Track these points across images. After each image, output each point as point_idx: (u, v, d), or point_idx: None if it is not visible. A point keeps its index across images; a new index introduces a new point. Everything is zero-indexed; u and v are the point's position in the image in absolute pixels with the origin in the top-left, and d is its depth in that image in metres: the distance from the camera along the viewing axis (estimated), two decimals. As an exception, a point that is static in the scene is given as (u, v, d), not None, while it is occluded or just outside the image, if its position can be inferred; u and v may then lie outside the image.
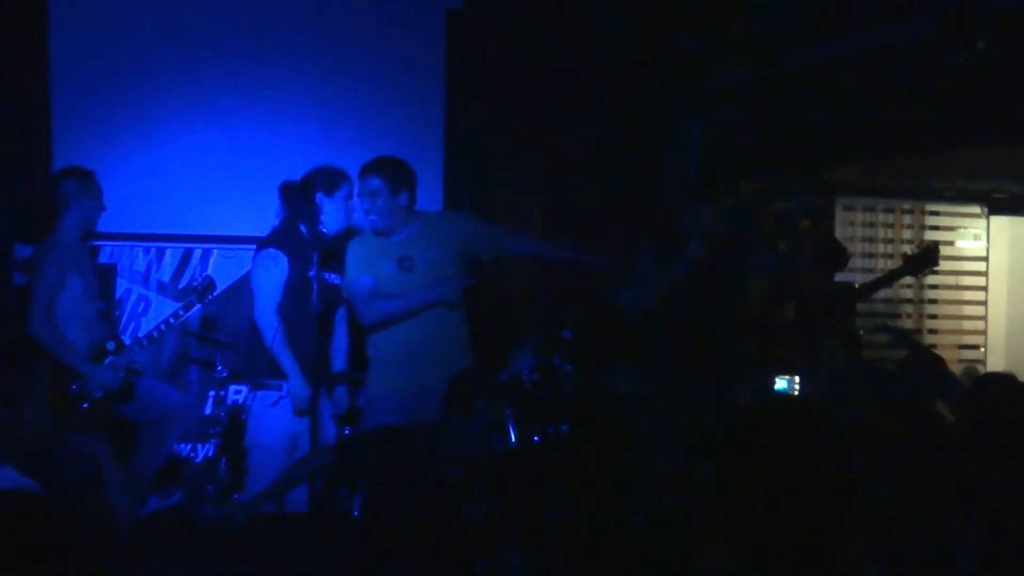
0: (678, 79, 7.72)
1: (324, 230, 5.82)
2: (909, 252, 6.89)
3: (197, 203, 7.28)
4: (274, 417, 5.82)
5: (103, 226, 6.58)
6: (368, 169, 5.77)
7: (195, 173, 7.32)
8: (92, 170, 6.32)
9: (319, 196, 5.88)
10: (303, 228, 5.90)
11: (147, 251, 7.42)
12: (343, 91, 7.56)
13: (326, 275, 5.80)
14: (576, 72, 7.90)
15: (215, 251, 7.36)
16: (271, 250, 5.86)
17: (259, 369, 5.88)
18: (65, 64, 7.14)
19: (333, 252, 5.88)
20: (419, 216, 5.93)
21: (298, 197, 5.91)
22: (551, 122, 7.98)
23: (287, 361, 5.74)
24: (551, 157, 8.07)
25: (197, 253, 7.44)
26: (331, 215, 5.90)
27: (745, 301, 6.39)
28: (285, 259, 5.82)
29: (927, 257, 6.70)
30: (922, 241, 7.60)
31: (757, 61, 7.24)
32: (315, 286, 5.65)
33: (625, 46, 7.70)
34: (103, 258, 7.23)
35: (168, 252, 7.46)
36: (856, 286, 7.26)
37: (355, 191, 5.93)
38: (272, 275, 5.83)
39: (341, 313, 6.15)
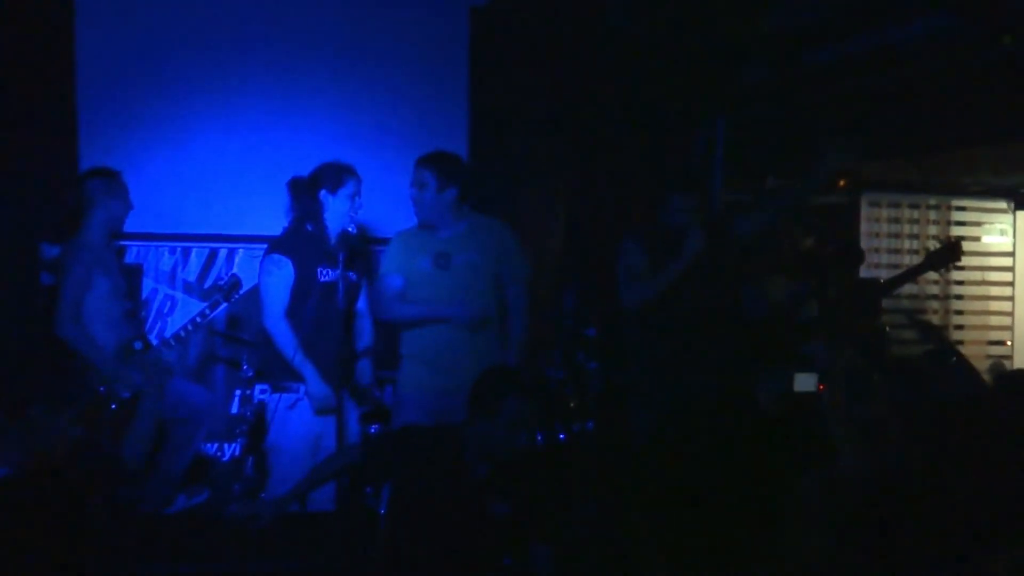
0: (703, 76, 7.71)
1: (350, 229, 5.81)
2: (932, 248, 6.85)
3: (222, 203, 7.31)
4: (294, 419, 5.79)
5: (129, 226, 6.61)
6: (421, 161, 5.82)
7: (220, 173, 7.34)
8: (118, 170, 6.35)
9: (323, 193, 5.84)
10: (311, 227, 5.88)
11: (173, 251, 7.45)
12: (368, 89, 7.58)
13: (332, 272, 5.79)
14: (600, 70, 7.90)
15: (240, 250, 7.38)
16: (275, 255, 5.83)
17: (276, 372, 5.87)
18: (91, 65, 7.17)
19: (354, 250, 5.88)
20: (468, 217, 5.94)
21: (304, 194, 5.90)
22: (575, 120, 7.98)
23: (302, 364, 5.72)
24: (575, 155, 8.07)
25: (223, 253, 7.47)
26: (335, 212, 5.86)
27: (766, 297, 6.37)
28: (290, 263, 5.78)
29: (950, 253, 6.65)
30: (948, 237, 7.56)
31: (782, 58, 7.22)
32: (341, 286, 5.65)
33: (649, 44, 7.68)
34: (129, 258, 7.25)
35: (194, 252, 7.48)
36: (881, 282, 7.24)
37: (361, 188, 5.91)
38: (277, 280, 5.80)
39: (363, 302, 6.15)
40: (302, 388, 5.77)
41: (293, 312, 5.78)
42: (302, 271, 5.79)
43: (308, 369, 5.72)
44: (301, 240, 5.87)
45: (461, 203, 5.88)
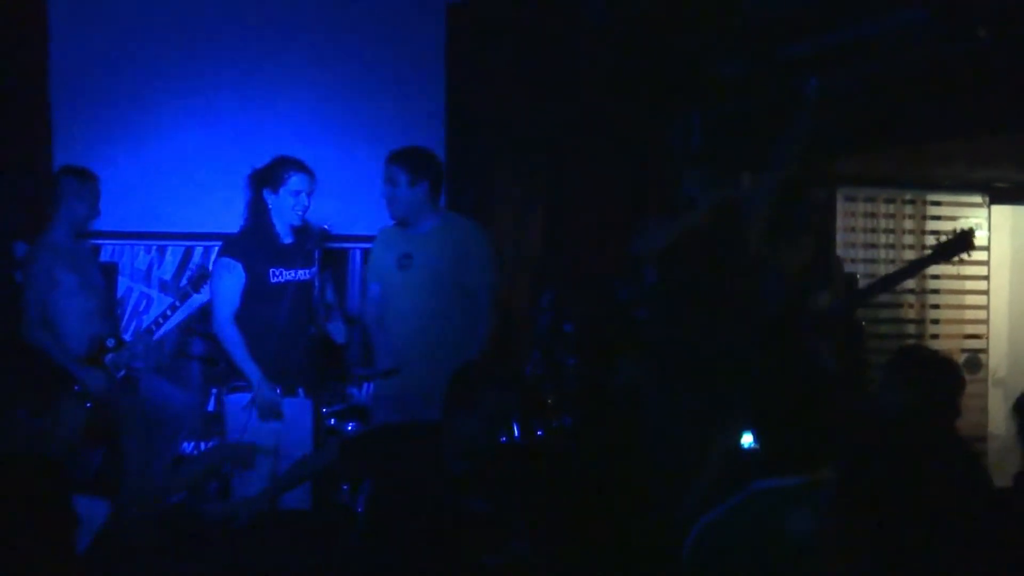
0: (678, 72, 7.71)
1: (326, 227, 5.77)
2: (942, 240, 6.71)
3: (198, 201, 7.28)
4: (250, 419, 5.69)
5: (104, 225, 6.57)
6: (392, 158, 5.75)
7: (195, 170, 7.31)
8: (91, 171, 6.24)
9: (266, 192, 5.75)
10: (260, 226, 5.79)
11: (148, 249, 7.43)
12: (344, 87, 7.56)
13: (295, 272, 5.76)
14: (576, 65, 7.90)
15: (216, 248, 7.34)
16: (225, 259, 5.75)
17: (231, 373, 5.81)
18: (65, 62, 7.14)
19: (303, 250, 5.81)
20: (440, 215, 5.89)
21: (251, 193, 5.82)
22: (552, 116, 7.97)
23: (250, 368, 5.63)
24: (553, 151, 8.07)
25: (198, 250, 7.45)
26: (279, 211, 5.76)
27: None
28: (240, 266, 5.70)
29: (961, 242, 6.51)
30: (958, 228, 7.44)
31: (756, 52, 7.22)
32: (316, 284, 5.62)
33: (625, 39, 7.69)
34: (104, 257, 7.23)
35: (169, 250, 7.47)
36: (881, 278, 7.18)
37: (312, 183, 5.79)
38: (226, 285, 5.71)
39: (330, 294, 6.12)
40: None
41: (248, 314, 5.70)
42: (253, 273, 5.71)
43: (255, 374, 5.63)
44: (252, 240, 5.78)
45: (434, 198, 5.82)
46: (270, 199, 5.75)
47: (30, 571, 2.80)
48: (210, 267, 6.03)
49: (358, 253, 7.53)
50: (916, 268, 6.75)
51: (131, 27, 7.28)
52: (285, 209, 5.74)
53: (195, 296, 6.17)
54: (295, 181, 5.73)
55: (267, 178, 5.76)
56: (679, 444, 5.50)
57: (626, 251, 6.38)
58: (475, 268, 5.81)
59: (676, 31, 7.51)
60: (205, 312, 7.07)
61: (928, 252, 6.67)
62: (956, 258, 6.46)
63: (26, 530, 2.82)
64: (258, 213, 5.79)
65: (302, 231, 5.80)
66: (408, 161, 5.74)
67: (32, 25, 7.06)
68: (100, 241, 7.06)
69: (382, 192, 5.80)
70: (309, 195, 5.79)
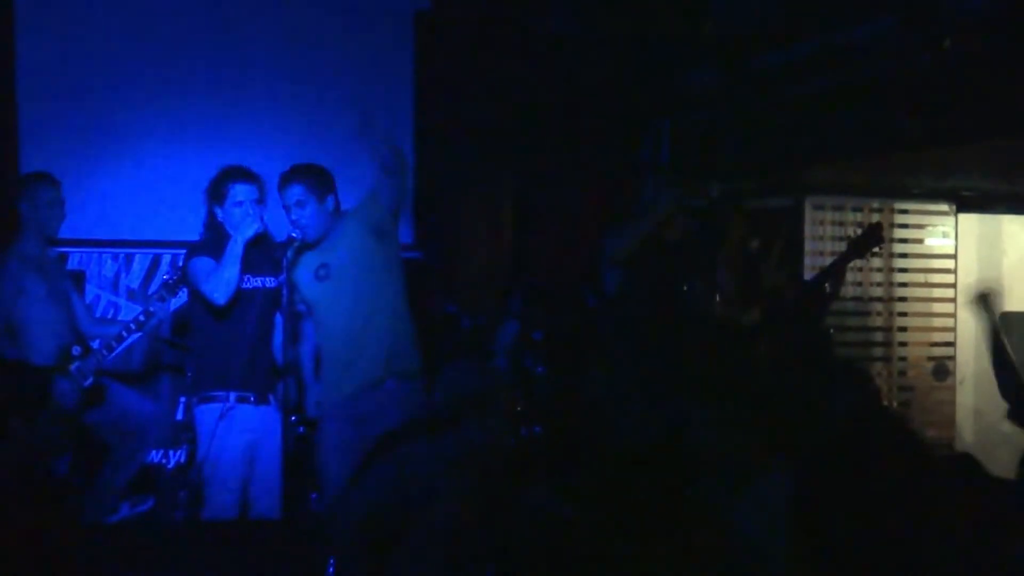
0: (648, 80, 7.74)
1: (295, 234, 5.66)
2: (852, 236, 6.81)
3: (165, 209, 7.24)
4: (224, 429, 5.60)
5: (71, 233, 6.52)
6: (289, 178, 5.51)
7: (163, 179, 7.28)
8: (53, 175, 6.19)
9: (214, 207, 5.65)
10: (218, 238, 5.63)
11: (116, 257, 7.39)
12: (312, 95, 7.54)
13: (263, 279, 5.71)
14: (546, 73, 7.91)
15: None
16: (200, 258, 5.64)
17: (202, 383, 5.74)
18: (32, 71, 7.11)
19: (270, 257, 5.68)
20: (340, 217, 5.62)
21: (206, 205, 5.70)
22: (521, 123, 7.98)
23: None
24: (521, 159, 8.08)
25: (166, 258, 7.41)
26: (229, 223, 5.61)
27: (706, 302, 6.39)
28: (212, 262, 5.57)
29: (871, 236, 6.59)
30: (868, 222, 7.51)
31: (726, 62, 7.26)
32: (285, 291, 5.55)
33: (594, 47, 7.71)
34: (71, 265, 7.17)
35: (137, 258, 7.43)
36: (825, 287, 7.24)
37: (255, 193, 5.65)
38: (206, 268, 5.57)
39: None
40: (231, 396, 5.63)
41: (218, 321, 5.61)
42: None
43: None
44: (211, 252, 5.64)
45: (337, 210, 5.58)
46: (219, 212, 5.66)
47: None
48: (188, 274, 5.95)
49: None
50: (834, 269, 6.76)
51: (98, 36, 7.26)
52: (234, 221, 5.61)
53: (169, 299, 6.05)
54: (237, 191, 5.61)
55: (213, 192, 5.66)
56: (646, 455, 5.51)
57: (596, 251, 6.43)
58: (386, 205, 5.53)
59: (647, 41, 7.54)
60: (175, 322, 7.05)
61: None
62: (869, 253, 6.57)
63: (19, 535, 2.80)
64: (212, 227, 5.70)
65: (261, 240, 5.70)
66: (312, 178, 5.50)
67: (-1, 33, 7.03)
68: (67, 249, 7.00)
69: (289, 219, 5.52)
70: (257, 203, 5.65)
